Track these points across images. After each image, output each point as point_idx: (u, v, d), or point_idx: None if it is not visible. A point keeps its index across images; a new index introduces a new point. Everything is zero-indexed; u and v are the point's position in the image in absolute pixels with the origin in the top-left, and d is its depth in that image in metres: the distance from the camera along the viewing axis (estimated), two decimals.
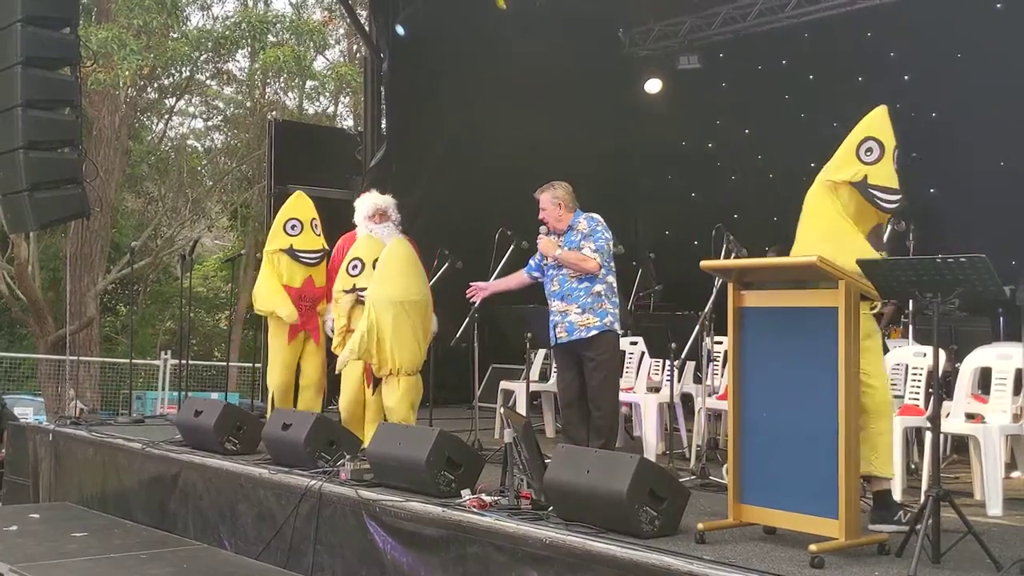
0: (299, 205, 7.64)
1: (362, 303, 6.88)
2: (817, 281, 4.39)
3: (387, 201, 7.59)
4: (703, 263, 4.77)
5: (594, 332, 6.19)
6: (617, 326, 6.28)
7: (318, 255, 7.51)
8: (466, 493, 5.36)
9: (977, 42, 9.39)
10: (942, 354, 5.87)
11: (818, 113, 10.63)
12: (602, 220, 6.35)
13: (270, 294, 7.42)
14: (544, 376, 8.64)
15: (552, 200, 6.34)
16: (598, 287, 6.25)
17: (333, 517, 5.72)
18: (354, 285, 7.01)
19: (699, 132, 11.83)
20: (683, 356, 6.50)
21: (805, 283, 4.47)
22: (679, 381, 7.67)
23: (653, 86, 11.68)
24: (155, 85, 20.01)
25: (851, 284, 4.33)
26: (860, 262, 4.35)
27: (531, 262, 6.62)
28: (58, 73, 8.71)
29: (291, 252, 7.41)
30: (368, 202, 7.55)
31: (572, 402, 6.34)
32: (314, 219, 7.58)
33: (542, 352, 8.55)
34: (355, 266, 7.07)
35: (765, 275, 4.70)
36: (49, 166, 8.64)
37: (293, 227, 7.46)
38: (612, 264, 6.34)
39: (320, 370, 7.62)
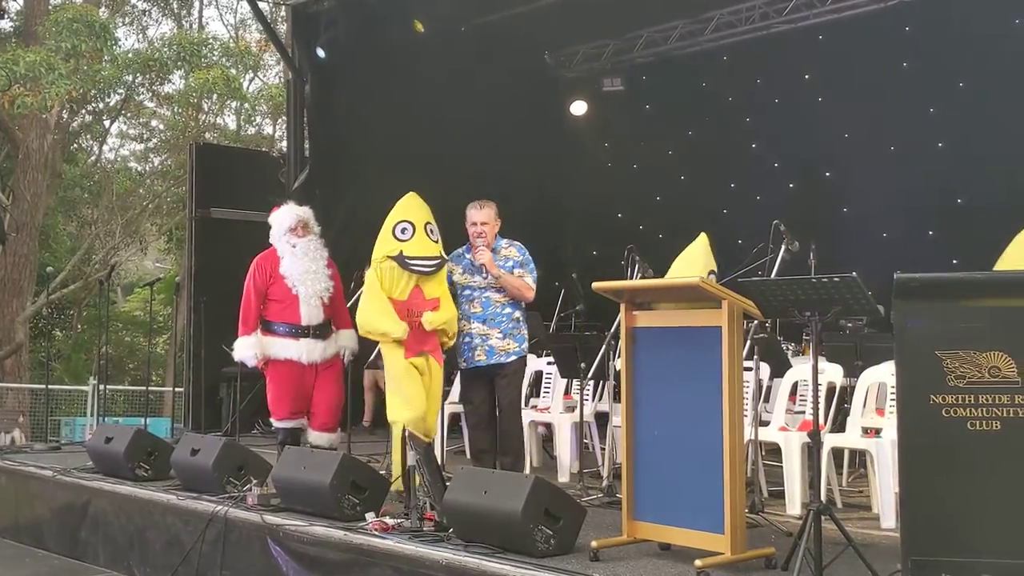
0: (411, 206, 6.45)
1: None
2: (701, 300, 4.49)
3: (308, 212, 7.15)
4: (595, 285, 4.85)
5: (513, 358, 6.29)
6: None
7: (433, 263, 6.27)
8: (370, 516, 5.37)
9: (889, 64, 9.64)
10: (839, 369, 6.06)
11: (737, 134, 10.85)
12: None
13: (375, 314, 6.25)
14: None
15: (494, 217, 6.34)
16: (517, 313, 6.36)
17: (239, 542, 5.70)
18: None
19: (624, 153, 11.98)
20: (590, 375, 6.55)
21: (691, 302, 4.57)
22: (597, 400, 7.76)
23: (578, 108, 11.81)
24: (89, 108, 19.83)
25: (734, 304, 4.42)
26: (741, 282, 4.45)
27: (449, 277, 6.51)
28: None
29: (400, 259, 6.23)
30: (290, 213, 7.05)
31: (481, 423, 6.39)
32: (429, 223, 6.37)
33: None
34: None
35: (654, 296, 4.79)
36: None
37: (403, 230, 6.27)
38: None
39: (439, 395, 6.58)
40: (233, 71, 17.59)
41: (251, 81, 21.37)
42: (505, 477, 5.05)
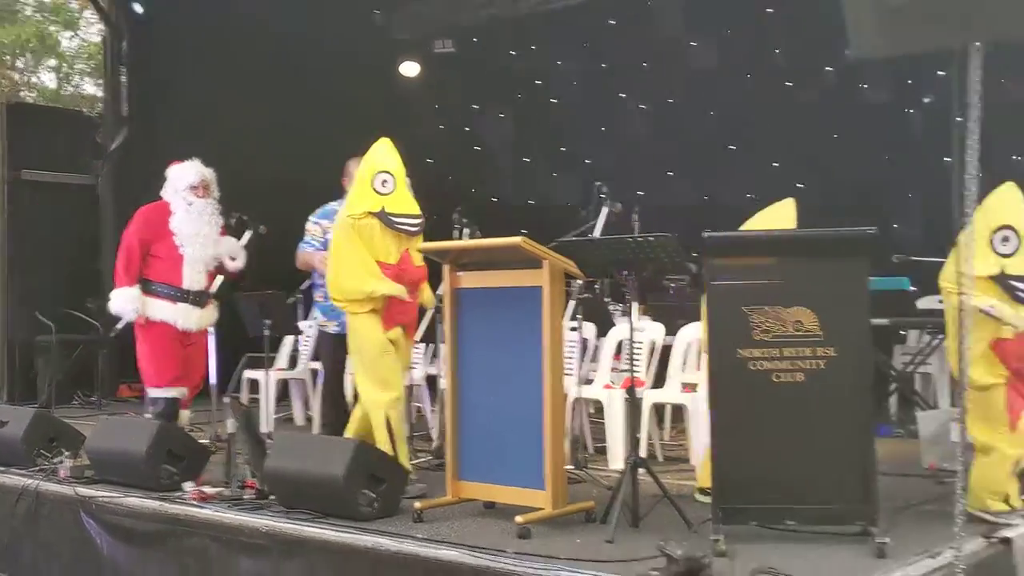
0: (387, 154, 5.41)
1: None
2: (523, 261, 4.51)
3: (212, 174, 6.54)
4: (420, 245, 4.82)
5: None
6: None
7: (416, 221, 5.32)
8: (188, 485, 5.22)
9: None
10: (661, 328, 6.21)
11: (569, 99, 10.94)
12: None
13: (362, 270, 5.20)
14: (293, 363, 8.52)
15: None
16: None
17: (51, 516, 5.51)
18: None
19: (457, 116, 11.93)
20: (420, 338, 6.53)
21: (513, 263, 4.58)
22: (428, 363, 7.74)
23: (410, 69, 11.65)
24: None
25: (555, 263, 4.46)
26: (560, 242, 4.50)
27: None
28: None
29: (383, 216, 5.23)
30: (194, 169, 6.45)
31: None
32: (405, 175, 5.45)
33: (290, 339, 8.46)
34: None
35: (477, 256, 4.79)
36: None
37: (384, 183, 5.26)
38: None
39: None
40: (52, 28, 16.70)
41: (71, 38, 20.35)
42: (327, 442, 4.99)
